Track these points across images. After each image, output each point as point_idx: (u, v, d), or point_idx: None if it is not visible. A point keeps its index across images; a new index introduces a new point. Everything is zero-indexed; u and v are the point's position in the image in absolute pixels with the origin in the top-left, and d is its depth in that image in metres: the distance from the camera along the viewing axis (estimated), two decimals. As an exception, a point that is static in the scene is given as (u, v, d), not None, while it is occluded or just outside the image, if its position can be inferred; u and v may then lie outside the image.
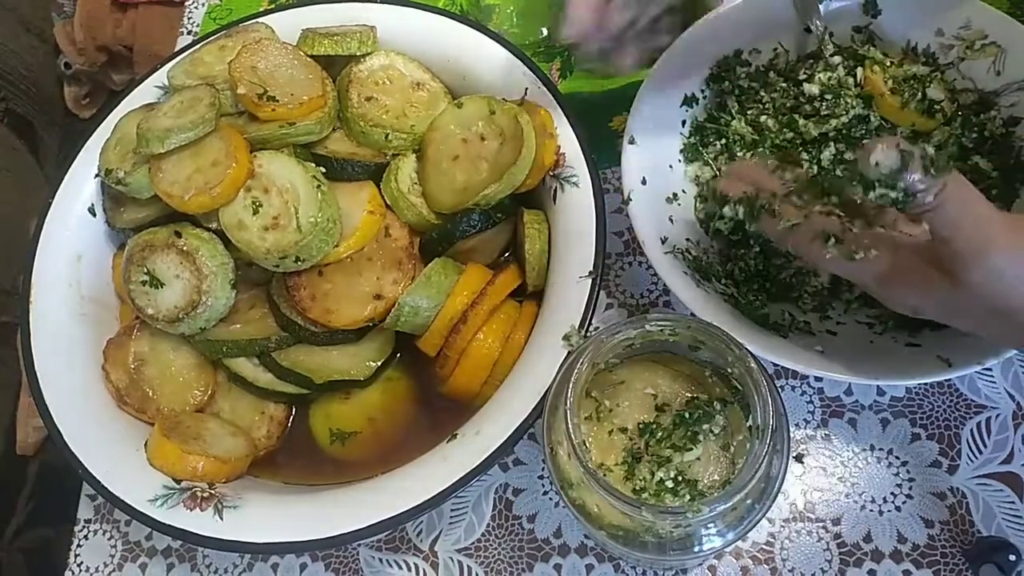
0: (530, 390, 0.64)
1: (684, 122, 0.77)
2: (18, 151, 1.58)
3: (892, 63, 0.73)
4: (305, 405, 0.75)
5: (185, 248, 0.70)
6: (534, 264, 0.72)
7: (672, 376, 0.60)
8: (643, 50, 0.72)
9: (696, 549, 0.55)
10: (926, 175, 0.48)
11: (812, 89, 0.74)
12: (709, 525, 0.54)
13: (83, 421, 0.69)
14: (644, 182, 0.72)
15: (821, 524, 0.69)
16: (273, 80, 0.73)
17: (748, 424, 0.56)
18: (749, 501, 0.54)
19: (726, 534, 0.55)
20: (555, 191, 0.73)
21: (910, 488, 0.69)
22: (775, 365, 0.65)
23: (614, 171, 0.82)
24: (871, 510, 0.69)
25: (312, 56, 0.77)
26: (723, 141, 0.76)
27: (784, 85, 0.76)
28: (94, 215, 0.78)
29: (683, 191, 0.75)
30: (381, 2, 0.82)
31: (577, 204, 0.71)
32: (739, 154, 0.75)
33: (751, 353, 0.56)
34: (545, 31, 0.90)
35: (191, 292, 0.70)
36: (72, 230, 0.77)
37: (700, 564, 0.68)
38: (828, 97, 0.73)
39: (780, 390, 0.72)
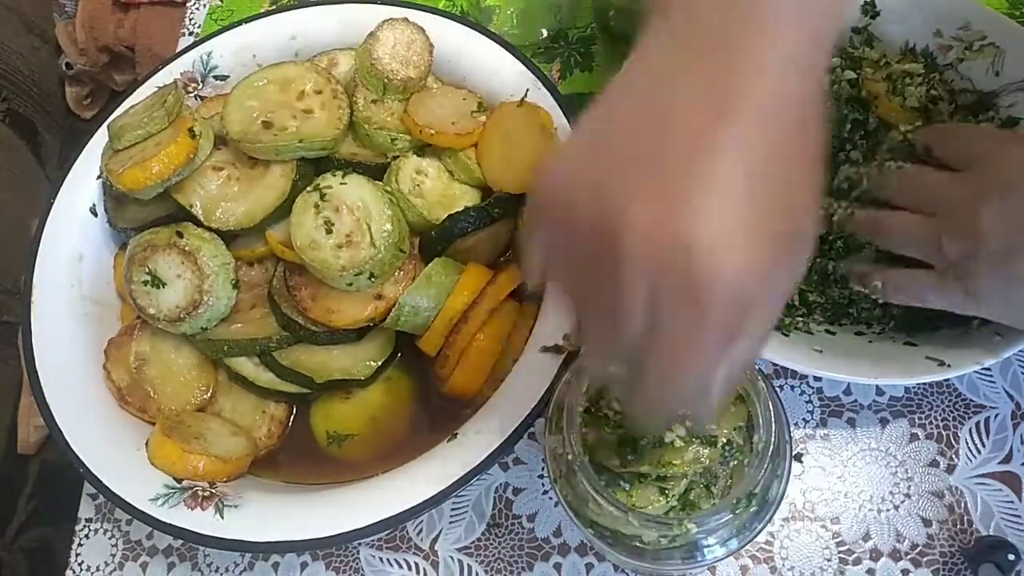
0: (530, 390, 0.64)
1: (684, 122, 0.77)
2: (19, 151, 1.58)
3: (890, 64, 0.73)
4: (306, 404, 0.75)
5: (187, 248, 0.70)
6: (534, 264, 0.72)
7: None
8: None
9: (699, 558, 0.55)
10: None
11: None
12: (710, 537, 0.54)
13: (84, 420, 0.69)
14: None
15: (820, 523, 0.69)
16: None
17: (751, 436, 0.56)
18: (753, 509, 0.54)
19: (728, 542, 0.55)
20: (555, 191, 0.73)
21: (908, 487, 0.69)
22: (774, 365, 0.65)
23: (614, 171, 0.82)
24: (870, 509, 0.69)
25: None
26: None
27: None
28: (96, 215, 0.78)
29: (683, 191, 0.75)
30: (381, 2, 0.82)
31: (577, 204, 0.71)
32: None
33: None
34: (545, 32, 0.90)
35: (192, 292, 0.70)
36: (74, 230, 0.77)
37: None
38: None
39: (779, 390, 0.72)
